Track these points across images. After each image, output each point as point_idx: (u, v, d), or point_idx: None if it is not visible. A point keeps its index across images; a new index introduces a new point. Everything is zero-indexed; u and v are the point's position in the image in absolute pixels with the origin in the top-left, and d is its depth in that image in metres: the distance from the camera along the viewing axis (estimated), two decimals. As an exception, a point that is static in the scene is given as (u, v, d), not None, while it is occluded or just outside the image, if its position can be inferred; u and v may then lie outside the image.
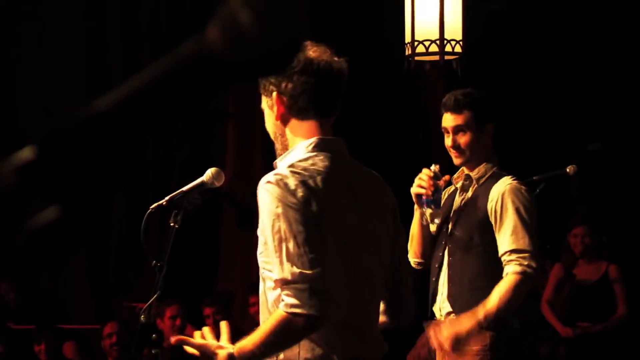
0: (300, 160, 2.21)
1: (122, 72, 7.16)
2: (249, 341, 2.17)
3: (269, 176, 2.18)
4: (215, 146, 7.27)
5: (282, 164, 2.25)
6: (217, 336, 2.28)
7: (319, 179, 2.18)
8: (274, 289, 2.17)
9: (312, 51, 2.26)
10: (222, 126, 7.13)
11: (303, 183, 2.15)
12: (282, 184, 2.14)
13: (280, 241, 2.13)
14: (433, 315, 3.51)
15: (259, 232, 2.20)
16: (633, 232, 6.61)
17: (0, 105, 7.06)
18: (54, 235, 0.60)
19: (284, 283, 2.12)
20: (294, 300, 2.10)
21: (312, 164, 2.20)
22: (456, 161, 3.48)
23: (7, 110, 7.08)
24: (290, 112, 2.25)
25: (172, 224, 2.71)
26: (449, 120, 3.46)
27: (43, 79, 7.24)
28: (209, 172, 2.76)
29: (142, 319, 2.61)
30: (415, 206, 3.45)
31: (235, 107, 7.06)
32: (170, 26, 7.18)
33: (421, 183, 3.36)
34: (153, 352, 2.64)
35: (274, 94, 2.25)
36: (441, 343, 3.27)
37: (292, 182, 2.15)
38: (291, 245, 2.11)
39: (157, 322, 5.64)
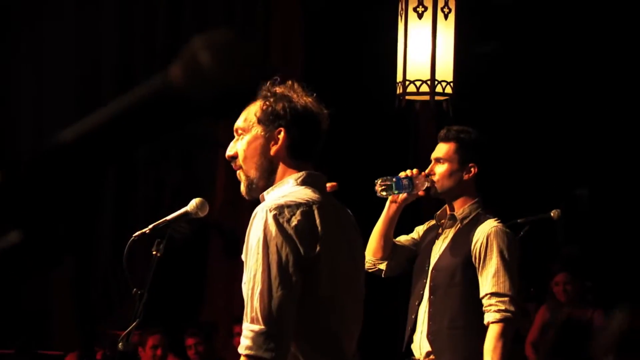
0: (292, 192, 2.22)
1: (113, 88, 7.15)
2: None
3: (264, 204, 2.18)
4: (205, 174, 7.29)
5: (273, 195, 2.25)
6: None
7: (314, 207, 2.19)
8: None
9: (309, 99, 2.31)
10: (213, 154, 7.16)
11: (300, 212, 2.16)
12: (276, 213, 2.14)
13: (254, 275, 2.13)
14: (410, 352, 3.52)
15: (243, 257, 2.20)
16: (618, 278, 6.62)
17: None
18: (14, 260, 0.62)
19: (248, 330, 2.12)
20: (248, 342, 2.11)
21: (305, 194, 2.22)
22: (431, 190, 3.54)
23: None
24: (289, 151, 2.28)
25: (154, 253, 2.72)
26: (436, 149, 3.55)
27: (35, 91, 7.24)
28: (193, 202, 2.77)
29: (120, 346, 2.61)
30: (387, 202, 3.55)
31: (226, 136, 7.06)
32: (165, 39, 7.21)
33: (407, 171, 3.47)
34: (130, 380, 2.63)
35: (281, 129, 2.27)
36: None
37: (287, 212, 2.15)
38: (264, 282, 2.11)
39: (139, 350, 5.62)
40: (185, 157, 7.25)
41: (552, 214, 4.22)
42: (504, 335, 3.30)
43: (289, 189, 2.24)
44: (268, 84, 2.30)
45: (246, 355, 2.10)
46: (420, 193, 3.52)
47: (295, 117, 2.26)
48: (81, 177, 0.64)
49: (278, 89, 2.29)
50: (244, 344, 2.11)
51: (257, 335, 2.09)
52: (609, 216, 6.85)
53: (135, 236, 2.74)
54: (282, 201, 2.18)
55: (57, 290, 7.26)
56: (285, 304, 2.11)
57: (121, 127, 0.66)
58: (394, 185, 3.44)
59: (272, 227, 2.12)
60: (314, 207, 2.19)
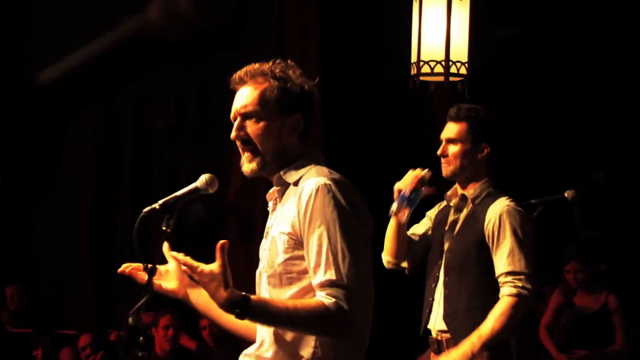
0: (325, 171, 2.29)
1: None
2: (276, 301, 2.24)
3: (317, 181, 2.24)
4: (221, 158, 7.29)
5: (302, 174, 2.30)
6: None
7: (352, 186, 2.29)
8: (312, 290, 2.22)
9: (307, 80, 2.37)
10: (229, 138, 7.14)
11: (352, 188, 2.26)
12: (337, 187, 2.22)
13: (332, 245, 2.20)
14: (428, 332, 3.50)
15: (286, 233, 2.26)
16: (635, 261, 6.58)
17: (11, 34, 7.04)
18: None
19: (332, 285, 2.18)
20: (344, 304, 2.17)
21: (334, 172, 2.30)
22: (444, 171, 3.50)
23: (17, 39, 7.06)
24: (301, 135, 2.34)
25: (164, 228, 2.71)
26: (446, 129, 3.51)
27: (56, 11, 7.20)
28: (203, 178, 2.76)
29: (130, 321, 2.61)
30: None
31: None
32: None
33: (417, 170, 3.45)
34: (140, 354, 2.64)
35: (299, 115, 2.32)
36: None
37: (343, 187, 2.24)
38: (345, 252, 2.19)
39: (152, 330, 5.64)
40: (201, 140, 7.25)
41: (565, 195, 4.19)
42: (515, 308, 3.25)
43: (314, 167, 2.31)
44: (270, 64, 2.34)
45: (337, 312, 2.16)
46: (426, 192, 3.49)
47: (310, 102, 2.34)
48: (58, 118, 0.64)
49: (291, 72, 2.34)
50: (341, 302, 2.16)
51: (349, 300, 2.17)
52: (626, 199, 6.80)
53: (145, 212, 2.74)
54: (335, 176, 2.25)
55: (76, 271, 7.30)
56: (365, 272, 2.23)
57: (99, 67, 0.65)
58: (404, 203, 3.43)
59: (341, 201, 2.21)
60: (351, 185, 2.28)
